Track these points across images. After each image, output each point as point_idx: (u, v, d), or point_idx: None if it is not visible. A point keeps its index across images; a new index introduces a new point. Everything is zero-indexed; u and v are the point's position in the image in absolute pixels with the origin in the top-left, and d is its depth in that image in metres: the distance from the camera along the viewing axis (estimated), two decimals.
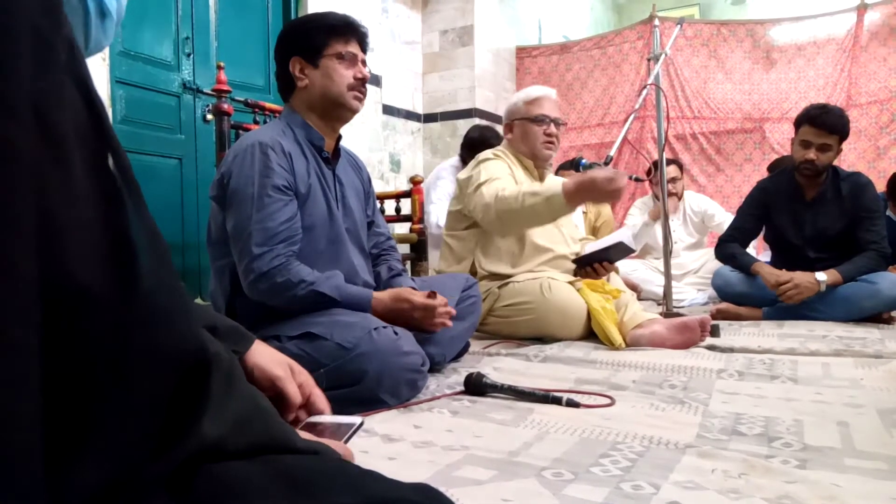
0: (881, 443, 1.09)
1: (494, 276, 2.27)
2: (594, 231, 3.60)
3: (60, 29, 0.34)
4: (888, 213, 3.10)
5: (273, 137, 1.53)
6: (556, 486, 0.90)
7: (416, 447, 1.10)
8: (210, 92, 2.51)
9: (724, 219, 3.60)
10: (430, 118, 4.80)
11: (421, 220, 3.04)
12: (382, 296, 1.56)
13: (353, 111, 1.63)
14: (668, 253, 2.54)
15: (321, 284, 1.47)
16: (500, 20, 4.93)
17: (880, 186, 3.12)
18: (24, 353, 0.27)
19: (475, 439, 1.13)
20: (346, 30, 1.61)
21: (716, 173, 4.55)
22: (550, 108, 2.35)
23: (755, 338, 2.17)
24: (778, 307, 2.58)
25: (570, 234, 2.45)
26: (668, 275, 2.53)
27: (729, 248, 2.85)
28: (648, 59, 2.72)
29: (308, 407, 1.01)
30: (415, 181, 3.06)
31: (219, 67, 2.48)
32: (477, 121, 4.62)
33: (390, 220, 2.99)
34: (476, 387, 1.44)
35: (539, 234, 2.29)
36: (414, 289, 1.65)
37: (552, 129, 2.33)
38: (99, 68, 2.58)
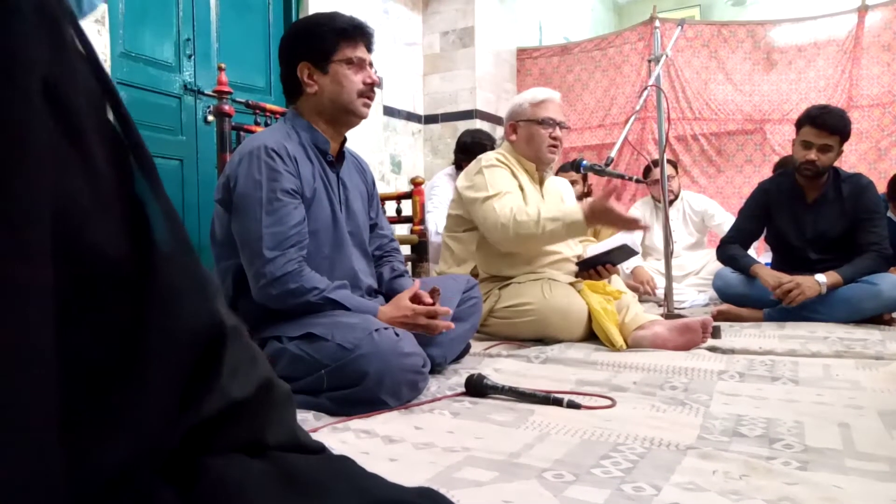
0: (882, 444, 1.09)
1: (495, 278, 2.28)
2: (595, 233, 3.60)
3: (64, 5, 0.34)
4: (889, 214, 3.10)
5: (278, 141, 1.52)
6: (558, 488, 0.90)
7: (417, 448, 1.10)
8: (211, 93, 2.51)
9: (724, 219, 3.60)
10: (430, 119, 4.80)
11: (422, 222, 3.05)
12: (385, 308, 1.56)
13: (362, 118, 1.63)
14: (668, 254, 2.54)
15: (333, 292, 1.47)
16: (500, 21, 4.93)
17: (881, 188, 3.11)
18: (40, 334, 0.28)
19: (476, 441, 1.13)
20: (354, 33, 1.58)
21: (716, 174, 4.55)
22: (555, 111, 2.34)
23: (756, 339, 2.17)
24: (779, 309, 2.58)
25: None
26: (668, 276, 2.53)
27: (730, 249, 2.85)
28: (649, 61, 2.72)
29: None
30: (416, 182, 3.06)
31: (220, 69, 2.48)
32: (478, 122, 4.62)
33: (391, 221, 2.98)
34: (477, 388, 1.44)
35: None
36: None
37: (557, 132, 2.33)
38: None
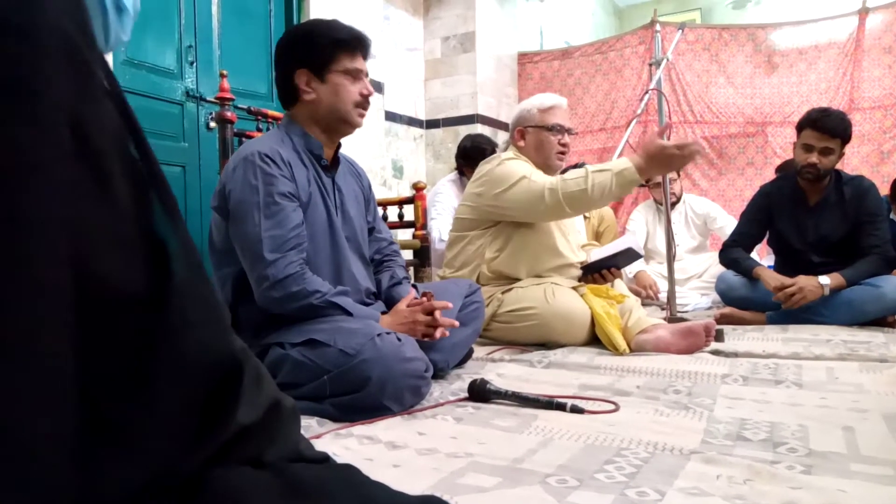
0: (887, 448, 1.09)
1: (498, 282, 2.27)
2: (597, 236, 3.60)
3: (94, 46, 0.34)
4: (892, 216, 3.09)
5: (272, 147, 1.53)
6: (561, 493, 0.90)
7: (421, 454, 1.09)
8: (213, 100, 2.52)
9: (725, 222, 3.59)
10: (432, 124, 4.81)
11: (424, 227, 3.05)
12: (385, 318, 1.57)
13: (356, 127, 1.64)
14: (671, 258, 2.54)
15: (336, 296, 1.48)
16: (501, 26, 4.95)
17: (884, 190, 3.11)
18: (56, 360, 0.28)
19: (479, 446, 1.13)
20: (353, 44, 1.58)
21: (718, 177, 4.55)
22: (564, 118, 2.34)
23: (759, 342, 2.16)
24: (782, 312, 2.58)
25: (575, 242, 2.45)
26: (671, 280, 2.53)
27: (732, 252, 2.85)
28: (650, 64, 2.73)
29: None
30: (417, 187, 3.06)
31: (222, 75, 2.49)
32: (479, 127, 4.63)
33: (393, 226, 2.99)
34: (480, 393, 1.44)
35: (555, 240, 2.28)
36: (416, 294, 1.66)
37: (566, 138, 2.33)
38: None
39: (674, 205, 3.66)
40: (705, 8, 7.25)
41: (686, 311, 3.07)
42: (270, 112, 2.65)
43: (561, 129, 2.31)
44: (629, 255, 2.28)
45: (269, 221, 1.44)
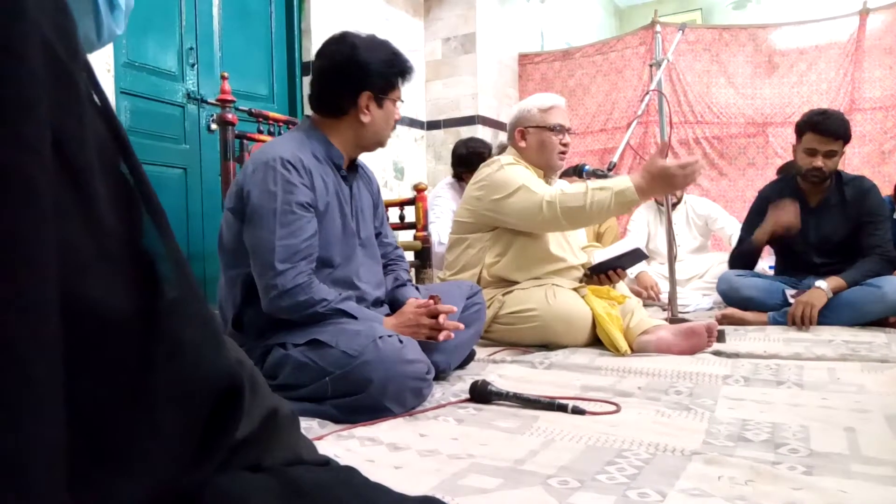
0: (888, 448, 1.09)
1: (499, 284, 2.27)
2: (598, 237, 3.60)
3: (77, 54, 0.34)
4: (894, 216, 3.09)
5: (294, 153, 1.51)
6: (563, 494, 0.90)
7: (422, 456, 1.10)
8: (214, 102, 2.52)
9: (726, 222, 3.59)
10: (433, 125, 4.81)
11: (425, 228, 3.05)
12: (389, 319, 1.57)
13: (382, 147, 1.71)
14: (672, 258, 2.54)
15: (341, 303, 1.48)
16: (501, 27, 4.95)
17: (885, 191, 3.11)
18: (45, 386, 0.28)
19: (481, 447, 1.13)
20: (409, 77, 1.64)
21: (719, 178, 4.55)
22: (564, 117, 2.34)
23: (761, 343, 2.16)
24: (783, 312, 2.57)
25: (576, 244, 2.45)
26: (672, 280, 2.53)
27: (735, 253, 2.87)
28: (651, 65, 2.73)
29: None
30: (418, 188, 3.07)
31: (223, 77, 2.49)
32: (480, 128, 4.63)
33: (394, 227, 2.99)
34: (481, 394, 1.44)
35: (554, 244, 2.28)
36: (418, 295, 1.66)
37: (566, 138, 2.33)
38: (104, 79, 2.60)
39: (675, 205, 3.66)
40: (706, 8, 7.24)
41: (687, 312, 3.07)
42: (271, 114, 2.66)
43: (562, 129, 2.31)
44: (635, 256, 2.28)
45: (284, 230, 1.45)
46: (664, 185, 2.00)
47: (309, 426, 1.27)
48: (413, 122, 4.67)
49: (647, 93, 2.54)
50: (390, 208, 3.09)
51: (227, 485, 0.40)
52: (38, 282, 0.28)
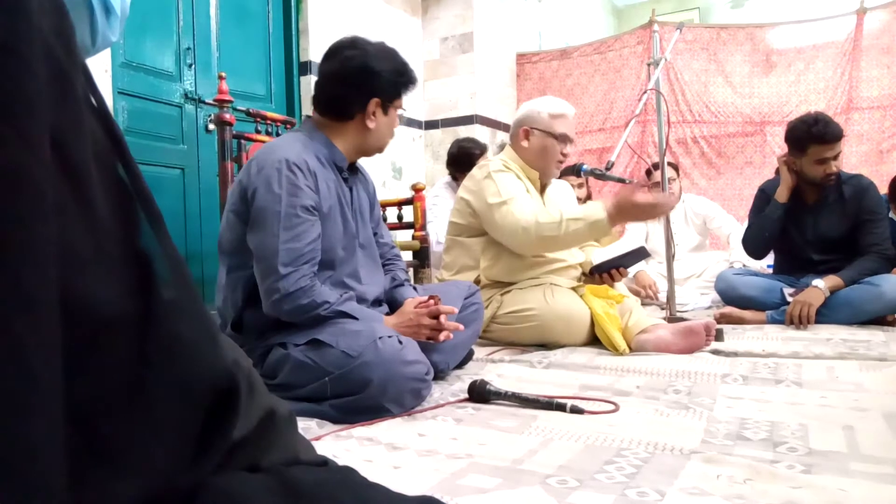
0: (887, 446, 1.09)
1: (498, 284, 2.27)
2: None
3: (75, 56, 0.34)
4: (891, 215, 3.09)
5: (299, 155, 1.51)
6: (562, 494, 0.90)
7: (421, 456, 1.10)
8: (212, 102, 2.52)
9: (724, 221, 3.60)
10: (431, 125, 4.81)
11: (423, 228, 3.05)
12: (390, 318, 1.57)
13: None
14: (670, 257, 2.54)
15: (343, 304, 1.48)
16: (499, 26, 4.95)
17: (883, 189, 3.11)
18: (45, 384, 0.28)
19: (480, 447, 1.13)
20: (414, 87, 1.67)
21: (717, 177, 4.55)
22: (570, 128, 2.33)
23: (759, 342, 2.17)
24: (781, 310, 2.58)
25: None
26: (671, 279, 2.53)
27: (748, 234, 2.86)
28: (648, 64, 2.73)
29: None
30: (416, 188, 3.06)
31: (220, 77, 2.49)
32: (478, 127, 4.63)
33: (392, 227, 2.99)
34: (480, 394, 1.44)
35: None
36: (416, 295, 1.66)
37: (568, 149, 2.33)
38: (101, 79, 2.60)
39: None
40: (703, 7, 7.25)
41: (686, 311, 3.07)
42: (269, 114, 2.65)
43: (566, 140, 2.30)
44: (639, 254, 2.29)
45: (288, 233, 1.44)
46: (631, 217, 2.14)
47: (308, 426, 1.27)
48: (411, 122, 4.67)
49: (645, 92, 2.54)
50: (389, 208, 3.09)
51: (225, 485, 0.40)
52: (40, 281, 0.28)
